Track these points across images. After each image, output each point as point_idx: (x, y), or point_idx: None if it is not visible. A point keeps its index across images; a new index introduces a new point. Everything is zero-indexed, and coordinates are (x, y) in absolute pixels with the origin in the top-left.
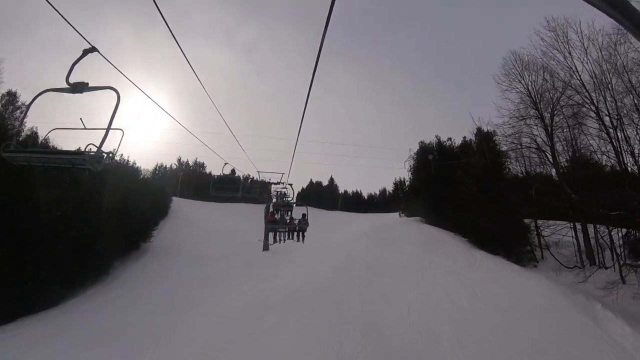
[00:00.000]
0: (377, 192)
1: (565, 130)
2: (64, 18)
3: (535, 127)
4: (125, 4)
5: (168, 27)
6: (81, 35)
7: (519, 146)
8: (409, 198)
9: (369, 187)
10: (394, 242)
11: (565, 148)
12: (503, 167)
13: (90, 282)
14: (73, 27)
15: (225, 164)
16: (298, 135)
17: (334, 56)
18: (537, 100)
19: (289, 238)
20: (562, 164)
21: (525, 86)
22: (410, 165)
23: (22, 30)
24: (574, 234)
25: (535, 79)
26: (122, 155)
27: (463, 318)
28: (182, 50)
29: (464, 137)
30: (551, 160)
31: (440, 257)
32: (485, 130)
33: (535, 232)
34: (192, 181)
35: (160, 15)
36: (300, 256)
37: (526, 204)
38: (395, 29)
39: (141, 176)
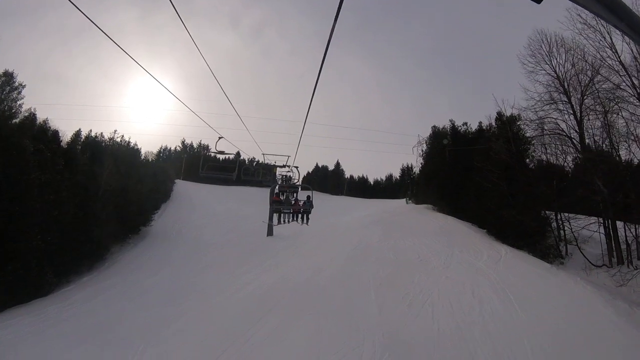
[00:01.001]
0: (383, 178)
1: (592, 116)
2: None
3: (564, 112)
4: None
5: (174, 7)
6: (90, 20)
7: (544, 132)
8: (418, 184)
9: (374, 173)
10: (407, 231)
11: (597, 136)
12: (527, 154)
13: (86, 268)
14: (82, 11)
15: (220, 137)
16: (305, 119)
17: (342, 40)
18: (566, 83)
19: (293, 219)
20: (592, 151)
21: (553, 67)
22: (422, 150)
23: (27, 15)
24: (603, 230)
25: (564, 59)
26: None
27: (499, 328)
28: (187, 30)
29: (480, 123)
30: (579, 147)
31: (461, 250)
32: (508, 114)
33: (558, 226)
34: (197, 163)
35: None
36: (307, 243)
37: (553, 195)
38: (403, 15)
39: (142, 157)
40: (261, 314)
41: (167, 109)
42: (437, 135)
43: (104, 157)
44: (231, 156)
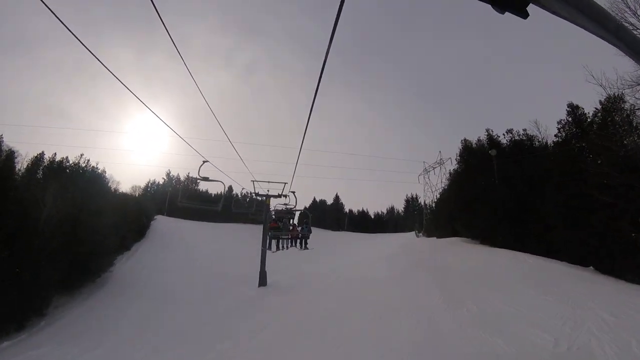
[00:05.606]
0: (385, 211)
1: None
2: (75, 36)
3: None
4: (125, 29)
5: (174, 44)
6: (92, 54)
7: None
8: (440, 213)
9: (375, 206)
10: (477, 283)
11: None
12: None
13: (14, 326)
14: (85, 46)
15: (204, 162)
16: (302, 141)
17: (333, 80)
18: None
19: (291, 245)
20: None
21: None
22: (450, 171)
23: (27, 52)
24: None
25: None
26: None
27: None
28: (185, 64)
29: (524, 130)
30: None
31: (615, 315)
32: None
33: None
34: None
35: (168, 34)
36: (314, 305)
37: None
38: (397, 39)
39: (107, 183)
40: None
41: (159, 147)
42: (469, 152)
43: (49, 180)
44: (219, 187)
